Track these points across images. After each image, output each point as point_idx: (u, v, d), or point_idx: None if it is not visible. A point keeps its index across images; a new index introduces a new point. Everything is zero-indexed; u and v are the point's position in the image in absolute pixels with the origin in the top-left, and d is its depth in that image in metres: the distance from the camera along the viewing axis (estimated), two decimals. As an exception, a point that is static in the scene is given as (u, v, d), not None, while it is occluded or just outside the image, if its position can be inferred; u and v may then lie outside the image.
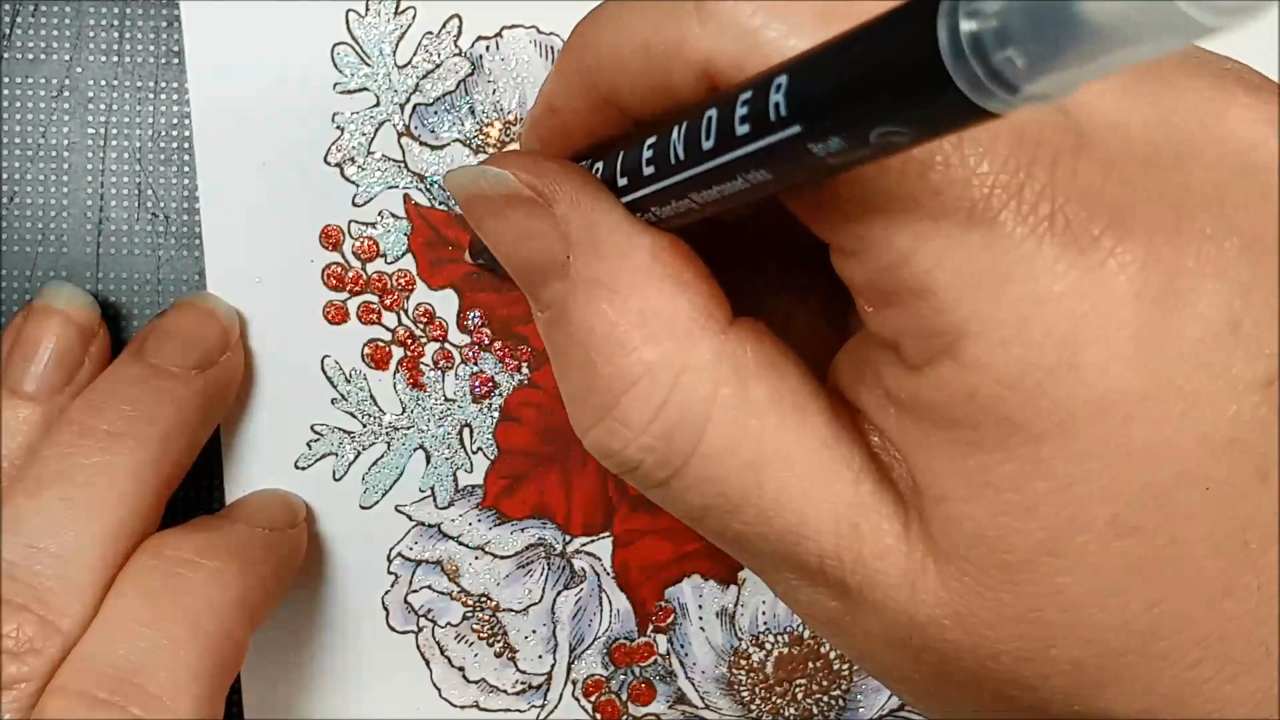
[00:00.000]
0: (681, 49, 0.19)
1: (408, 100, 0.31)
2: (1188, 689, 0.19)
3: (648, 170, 0.20)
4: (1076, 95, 0.18)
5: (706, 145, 0.18)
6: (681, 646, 0.34)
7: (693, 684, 0.34)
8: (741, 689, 0.34)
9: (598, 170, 0.21)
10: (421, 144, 0.31)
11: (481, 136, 0.31)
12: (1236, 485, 0.18)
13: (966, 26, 0.13)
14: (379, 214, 0.31)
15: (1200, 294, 0.17)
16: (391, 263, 0.32)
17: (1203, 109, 0.19)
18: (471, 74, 0.31)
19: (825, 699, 0.34)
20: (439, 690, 0.34)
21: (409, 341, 0.32)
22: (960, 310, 0.17)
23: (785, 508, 0.20)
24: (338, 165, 0.31)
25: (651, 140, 0.20)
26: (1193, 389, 0.17)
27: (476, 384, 0.32)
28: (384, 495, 0.33)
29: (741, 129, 0.17)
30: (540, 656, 0.34)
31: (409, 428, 0.32)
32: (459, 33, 0.31)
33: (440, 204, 0.31)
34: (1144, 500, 0.18)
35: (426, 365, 0.32)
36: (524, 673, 0.34)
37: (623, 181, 0.21)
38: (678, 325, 0.20)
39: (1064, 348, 0.17)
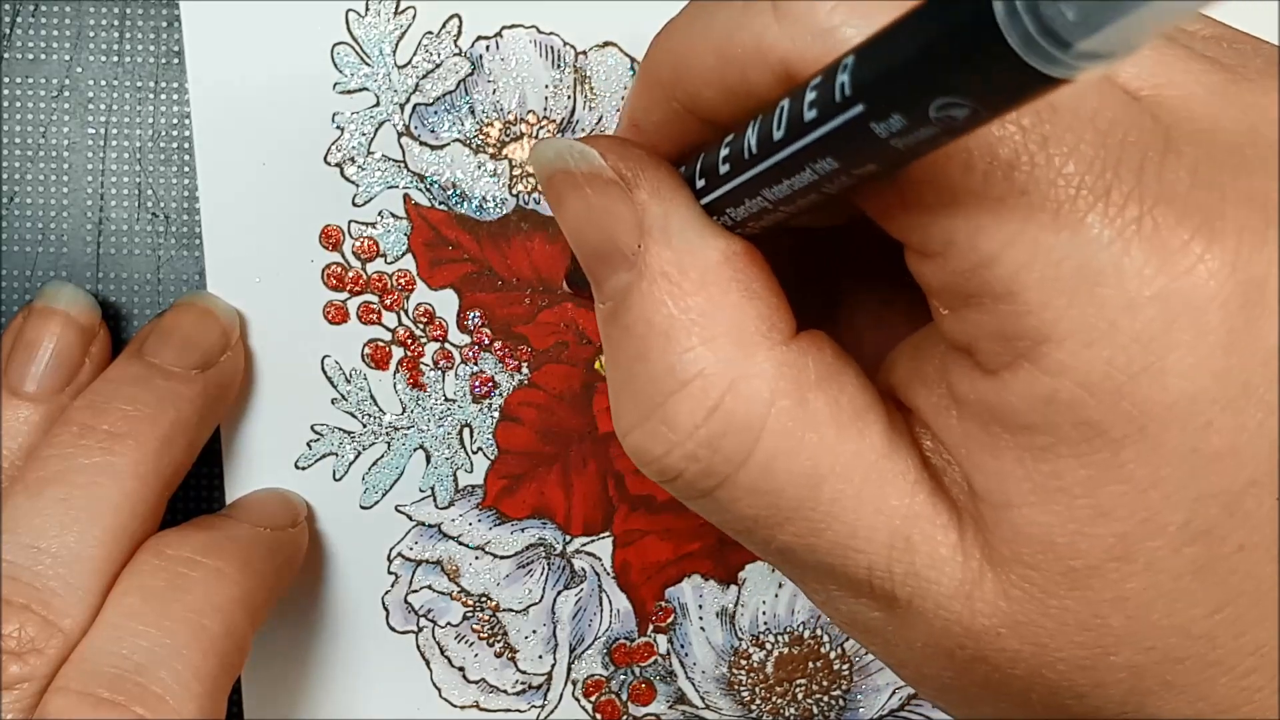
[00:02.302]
0: (759, 50, 0.19)
1: (408, 100, 0.31)
2: (1239, 697, 0.19)
3: (723, 169, 0.20)
4: (1163, 99, 0.18)
5: (778, 135, 0.18)
6: (682, 646, 0.34)
7: (693, 684, 0.34)
8: (742, 689, 0.34)
9: (681, 171, 0.21)
10: (421, 144, 0.31)
11: (481, 136, 0.31)
12: None
13: None
14: (379, 214, 0.31)
15: None
16: (391, 263, 0.32)
17: None
18: (471, 74, 0.31)
19: (825, 699, 0.34)
20: (439, 690, 0.34)
21: (409, 341, 0.32)
22: (1045, 313, 0.17)
23: (837, 519, 0.20)
24: (338, 165, 0.31)
25: (729, 139, 0.20)
26: (1272, 398, 0.17)
27: (476, 384, 0.32)
28: (384, 495, 0.33)
29: (809, 114, 0.17)
30: (540, 656, 0.34)
31: (409, 428, 0.32)
32: (459, 32, 0.31)
33: (440, 204, 0.31)
34: (1216, 506, 0.18)
35: (426, 365, 0.32)
36: (524, 673, 0.34)
37: (701, 183, 0.21)
38: (739, 331, 0.20)
39: (1150, 352, 0.17)
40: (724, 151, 0.20)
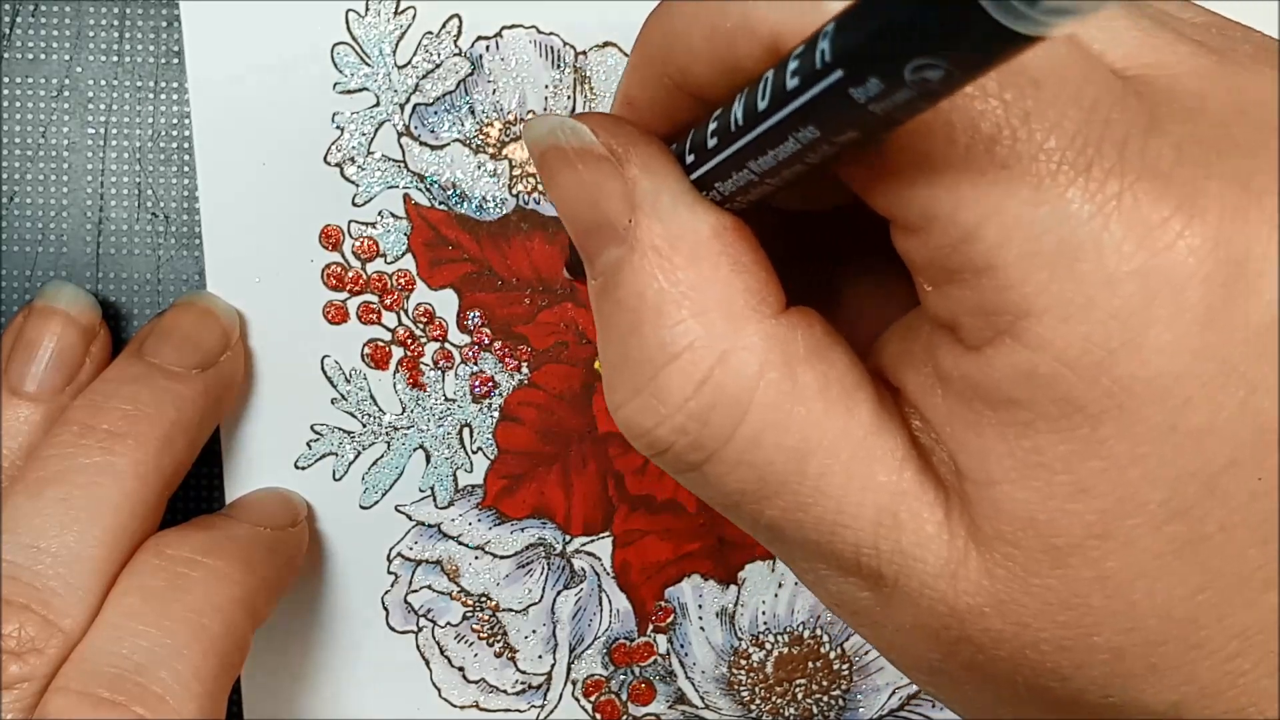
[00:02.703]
0: (748, 24, 0.19)
1: (407, 100, 0.31)
2: (1224, 681, 0.19)
3: (711, 143, 0.20)
4: (1150, 78, 0.18)
5: (762, 105, 0.18)
6: (681, 646, 0.34)
7: (693, 684, 0.34)
8: (741, 689, 0.34)
9: (672, 148, 0.22)
10: (421, 144, 0.31)
11: (481, 136, 0.31)
12: None
13: None
14: (379, 214, 0.31)
15: (1268, 279, 0.17)
16: (391, 263, 0.32)
17: (1278, 95, 0.18)
18: (471, 74, 0.31)
19: (825, 699, 0.35)
20: (439, 690, 0.34)
21: (409, 341, 0.32)
22: (1024, 288, 0.17)
23: (824, 495, 0.20)
24: (338, 165, 0.31)
25: (717, 113, 0.20)
26: (1253, 376, 0.17)
27: (476, 384, 0.32)
28: (384, 495, 0.33)
29: (792, 83, 0.17)
30: (540, 656, 0.34)
31: (409, 428, 0.32)
32: (459, 33, 0.31)
33: (440, 204, 0.31)
34: (1196, 485, 0.18)
35: (426, 365, 0.32)
36: (524, 673, 0.34)
37: (690, 158, 0.21)
38: (729, 305, 0.20)
39: (1128, 328, 0.17)
40: (712, 126, 0.20)
